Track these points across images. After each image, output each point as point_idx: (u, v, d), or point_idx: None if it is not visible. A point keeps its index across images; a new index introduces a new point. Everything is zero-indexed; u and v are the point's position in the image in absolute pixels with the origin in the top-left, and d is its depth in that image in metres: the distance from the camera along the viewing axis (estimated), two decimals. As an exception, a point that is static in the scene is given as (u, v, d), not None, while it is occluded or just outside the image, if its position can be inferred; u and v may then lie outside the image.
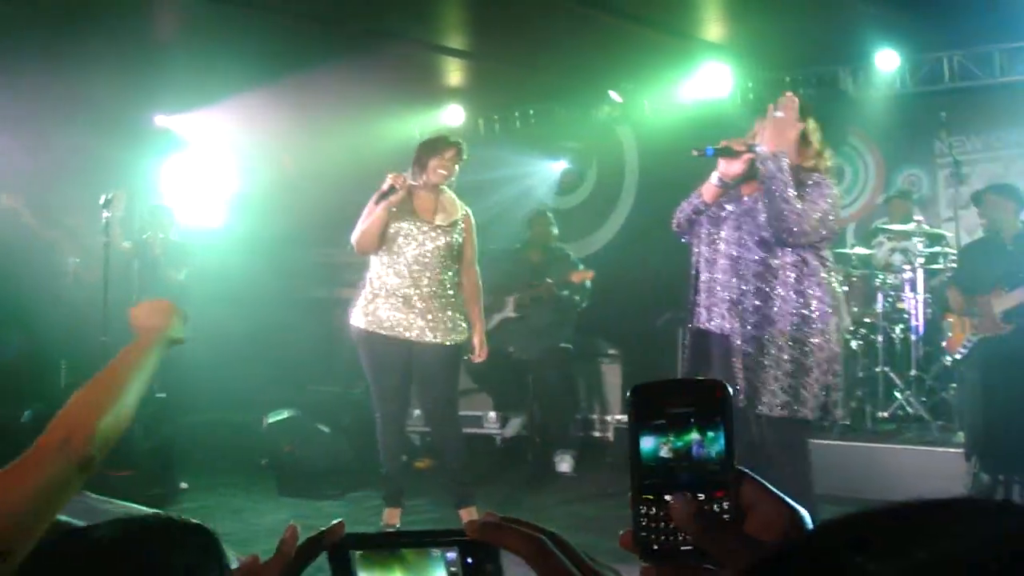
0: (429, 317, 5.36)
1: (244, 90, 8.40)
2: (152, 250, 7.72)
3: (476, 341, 5.59)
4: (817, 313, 4.14)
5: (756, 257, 4.21)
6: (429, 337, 5.36)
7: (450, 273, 5.46)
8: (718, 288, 4.30)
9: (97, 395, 1.78)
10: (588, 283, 7.73)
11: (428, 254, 5.36)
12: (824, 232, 4.19)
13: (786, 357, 4.12)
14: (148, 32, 7.76)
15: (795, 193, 4.07)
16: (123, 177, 8.42)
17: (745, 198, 4.32)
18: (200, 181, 9.89)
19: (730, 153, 4.17)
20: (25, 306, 8.09)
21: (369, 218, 5.27)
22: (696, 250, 4.42)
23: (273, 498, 6.58)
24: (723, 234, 4.31)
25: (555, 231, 8.12)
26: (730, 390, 0.87)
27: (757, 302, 4.17)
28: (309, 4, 7.12)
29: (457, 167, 5.39)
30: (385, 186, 5.21)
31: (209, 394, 8.24)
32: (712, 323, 4.31)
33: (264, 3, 7.06)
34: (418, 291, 5.34)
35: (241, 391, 8.42)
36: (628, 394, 0.88)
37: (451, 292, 5.46)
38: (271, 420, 7.16)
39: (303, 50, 7.75)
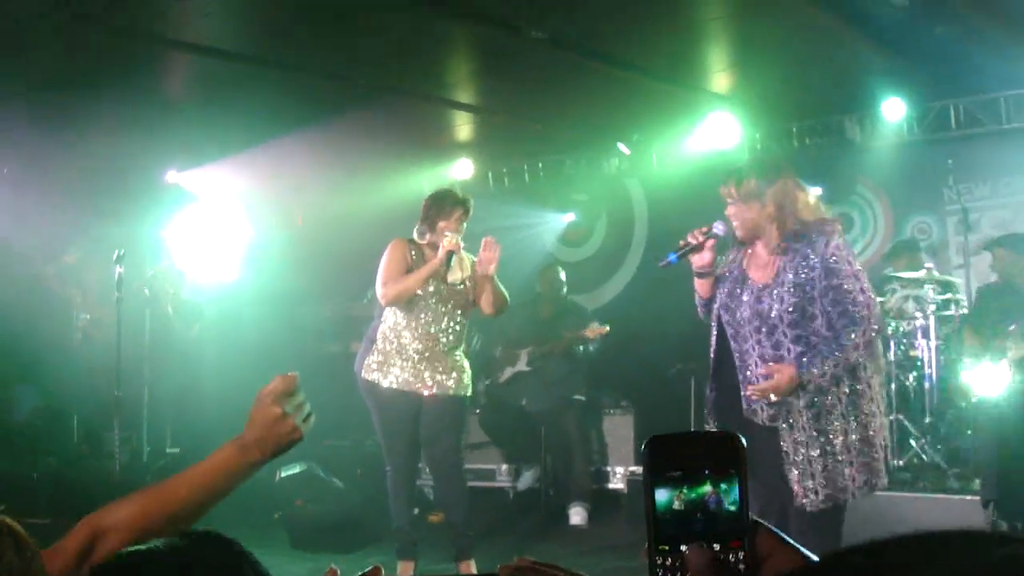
0: (440, 371, 5.45)
1: (255, 145, 8.47)
2: (163, 307, 7.76)
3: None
4: (865, 381, 3.90)
5: (803, 357, 3.83)
6: (439, 390, 5.44)
7: (461, 328, 5.55)
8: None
9: (146, 512, 1.63)
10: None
11: (443, 311, 5.46)
12: (873, 295, 3.95)
13: (855, 438, 3.85)
14: (159, 90, 7.84)
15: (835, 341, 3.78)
16: (135, 234, 8.47)
17: (754, 280, 4.00)
18: (212, 236, 9.94)
19: (695, 250, 3.95)
20: (39, 363, 8.13)
21: (414, 277, 5.31)
22: (715, 332, 4.10)
23: (285, 552, 6.54)
24: (749, 329, 3.95)
25: (564, 283, 8.12)
26: (743, 442, 0.88)
27: (816, 398, 3.84)
28: (319, 60, 7.20)
29: (464, 224, 5.46)
30: (447, 250, 5.26)
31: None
32: (756, 415, 3.97)
33: (274, 60, 7.14)
34: (431, 347, 5.43)
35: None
36: (644, 446, 0.89)
37: (461, 347, 5.59)
38: (284, 474, 7.14)
39: (313, 106, 7.83)
